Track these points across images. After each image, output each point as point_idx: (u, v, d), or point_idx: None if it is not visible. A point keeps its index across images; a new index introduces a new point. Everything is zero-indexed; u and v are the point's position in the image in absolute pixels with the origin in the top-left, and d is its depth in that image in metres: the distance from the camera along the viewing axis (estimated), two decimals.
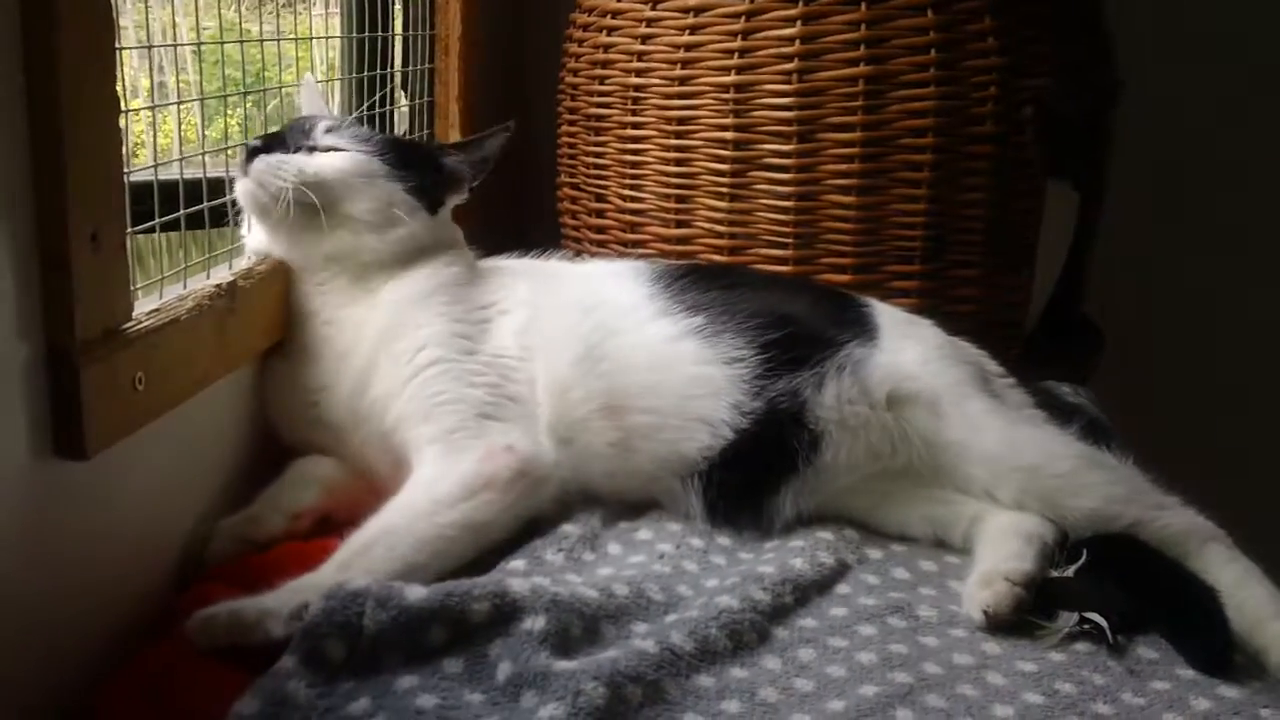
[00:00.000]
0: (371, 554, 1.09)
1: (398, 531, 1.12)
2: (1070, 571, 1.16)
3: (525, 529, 1.24)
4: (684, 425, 1.28)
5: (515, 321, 1.34)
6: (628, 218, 1.79)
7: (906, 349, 1.34)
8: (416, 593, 1.00)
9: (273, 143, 1.32)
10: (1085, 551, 1.18)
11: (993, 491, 1.26)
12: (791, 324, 1.33)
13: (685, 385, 1.29)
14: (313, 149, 1.32)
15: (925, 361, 1.33)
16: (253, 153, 1.29)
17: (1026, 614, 1.11)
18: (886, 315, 1.40)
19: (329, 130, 1.35)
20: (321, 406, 1.30)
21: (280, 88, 1.59)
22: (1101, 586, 1.14)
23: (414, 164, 1.37)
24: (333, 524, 1.23)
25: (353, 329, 1.30)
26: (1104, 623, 1.08)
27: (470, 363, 1.28)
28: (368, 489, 1.25)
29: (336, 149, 1.33)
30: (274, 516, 1.22)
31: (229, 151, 1.35)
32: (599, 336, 1.32)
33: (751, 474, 1.28)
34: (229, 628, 0.99)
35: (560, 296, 1.38)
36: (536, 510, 1.24)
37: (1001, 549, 1.17)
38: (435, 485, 1.18)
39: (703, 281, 1.40)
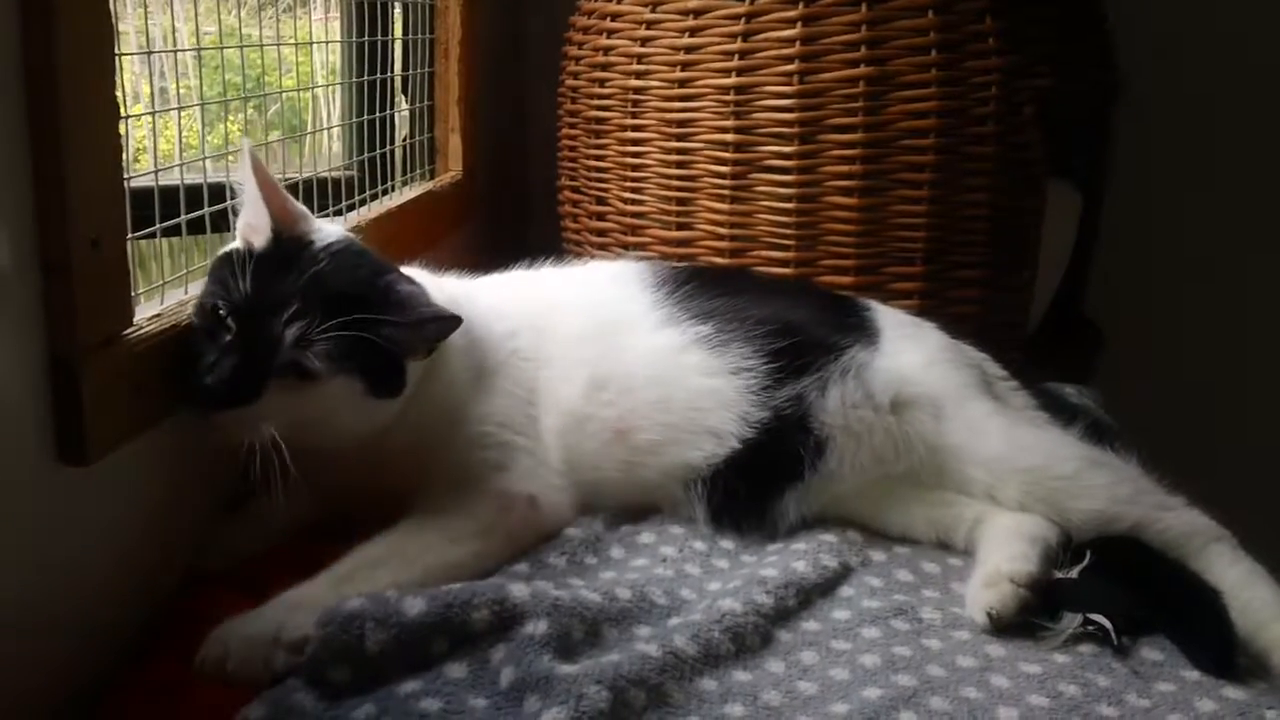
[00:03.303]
0: (376, 574, 1.08)
1: (408, 559, 1.11)
2: (1074, 573, 1.16)
3: None
4: (692, 437, 1.28)
5: (523, 373, 1.32)
6: (629, 220, 1.79)
7: (909, 353, 1.34)
8: (415, 606, 1.00)
9: (222, 369, 1.07)
10: (1089, 552, 1.17)
11: (995, 494, 1.26)
12: (798, 332, 1.33)
13: (693, 398, 1.29)
14: (286, 367, 1.08)
15: (928, 365, 1.33)
16: (208, 392, 1.06)
17: (1030, 616, 1.11)
18: (889, 318, 1.40)
19: (298, 342, 1.08)
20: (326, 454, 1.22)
21: (281, 92, 1.59)
22: (1106, 588, 1.13)
23: (375, 352, 1.12)
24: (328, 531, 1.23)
25: None
26: (1108, 624, 1.08)
27: (480, 426, 1.25)
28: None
29: (313, 376, 1.09)
30: (266, 530, 1.21)
31: (230, 157, 1.34)
32: (603, 363, 1.32)
33: (756, 480, 1.28)
34: (239, 665, 0.97)
35: (561, 331, 1.35)
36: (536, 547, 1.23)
37: (1005, 550, 1.17)
38: (451, 523, 1.16)
39: (707, 288, 1.39)
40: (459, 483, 1.21)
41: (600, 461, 1.29)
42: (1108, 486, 1.22)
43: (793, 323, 1.34)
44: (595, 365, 1.31)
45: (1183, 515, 1.21)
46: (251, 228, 1.17)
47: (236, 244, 1.17)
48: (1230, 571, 1.15)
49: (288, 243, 1.15)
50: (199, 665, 0.97)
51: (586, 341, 1.34)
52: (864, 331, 1.36)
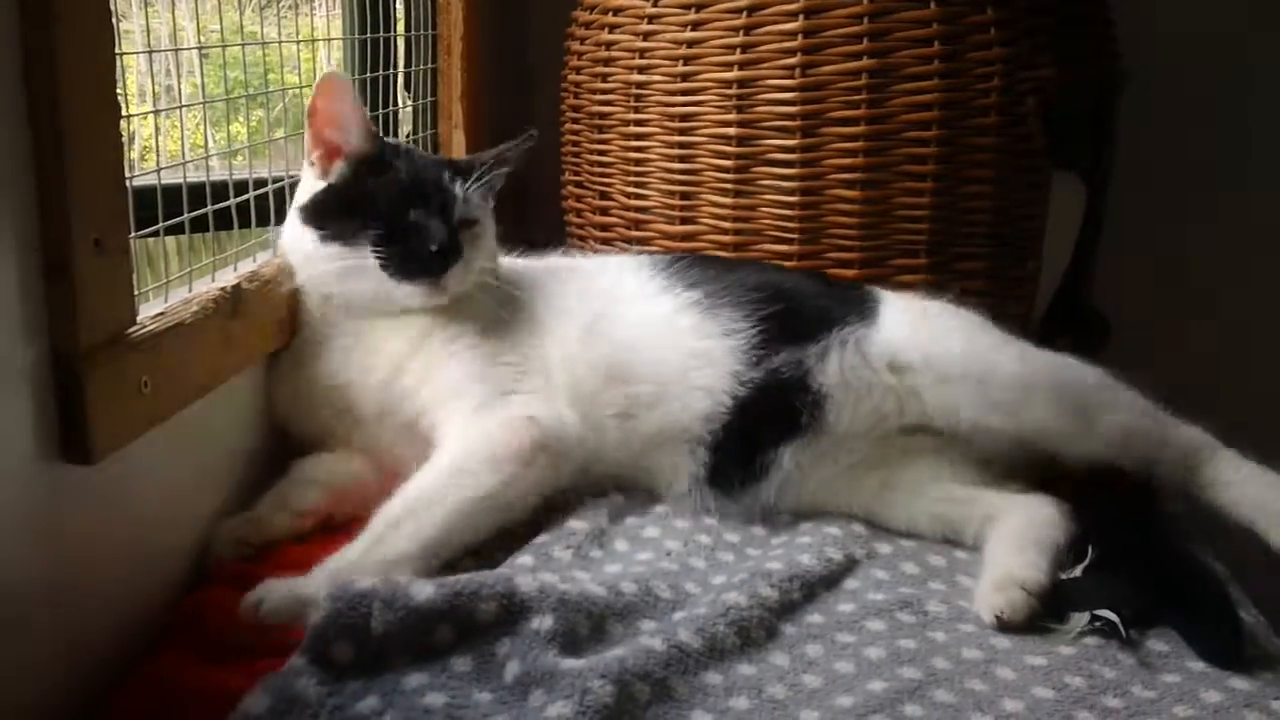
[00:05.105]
0: (403, 528, 1.13)
1: (430, 505, 1.15)
2: (1078, 571, 1.16)
3: (532, 525, 1.25)
4: (685, 393, 1.32)
5: (536, 314, 1.38)
6: (632, 215, 1.79)
7: (905, 321, 1.36)
8: (424, 592, 1.00)
9: (440, 235, 1.28)
10: (1091, 550, 1.17)
11: (1017, 416, 1.26)
12: (789, 298, 1.37)
13: (685, 358, 1.33)
14: (462, 223, 1.32)
15: (926, 325, 1.35)
16: (439, 260, 1.27)
17: (1037, 620, 1.11)
18: (888, 295, 1.43)
19: (466, 199, 1.33)
20: (344, 400, 1.30)
21: (284, 89, 1.59)
22: (1110, 583, 1.13)
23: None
24: (334, 523, 1.25)
25: (385, 331, 1.31)
26: (1116, 618, 1.08)
27: (495, 346, 1.31)
28: (373, 486, 1.26)
29: (477, 221, 1.35)
30: (278, 516, 1.23)
31: (235, 155, 1.34)
32: (601, 310, 1.37)
33: (754, 436, 1.30)
34: (270, 613, 1.03)
35: (568, 284, 1.43)
36: (556, 484, 1.27)
37: (1018, 556, 1.16)
38: (460, 460, 1.20)
39: (703, 263, 1.45)
40: (468, 408, 1.25)
41: (600, 410, 1.31)
42: (1131, 404, 1.26)
43: (785, 290, 1.38)
44: (594, 312, 1.37)
45: (1188, 432, 1.26)
46: (335, 146, 1.31)
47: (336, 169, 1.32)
48: (1243, 470, 1.21)
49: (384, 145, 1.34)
50: (243, 605, 1.04)
51: (589, 296, 1.40)
52: (862, 305, 1.38)
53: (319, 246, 1.29)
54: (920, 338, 1.32)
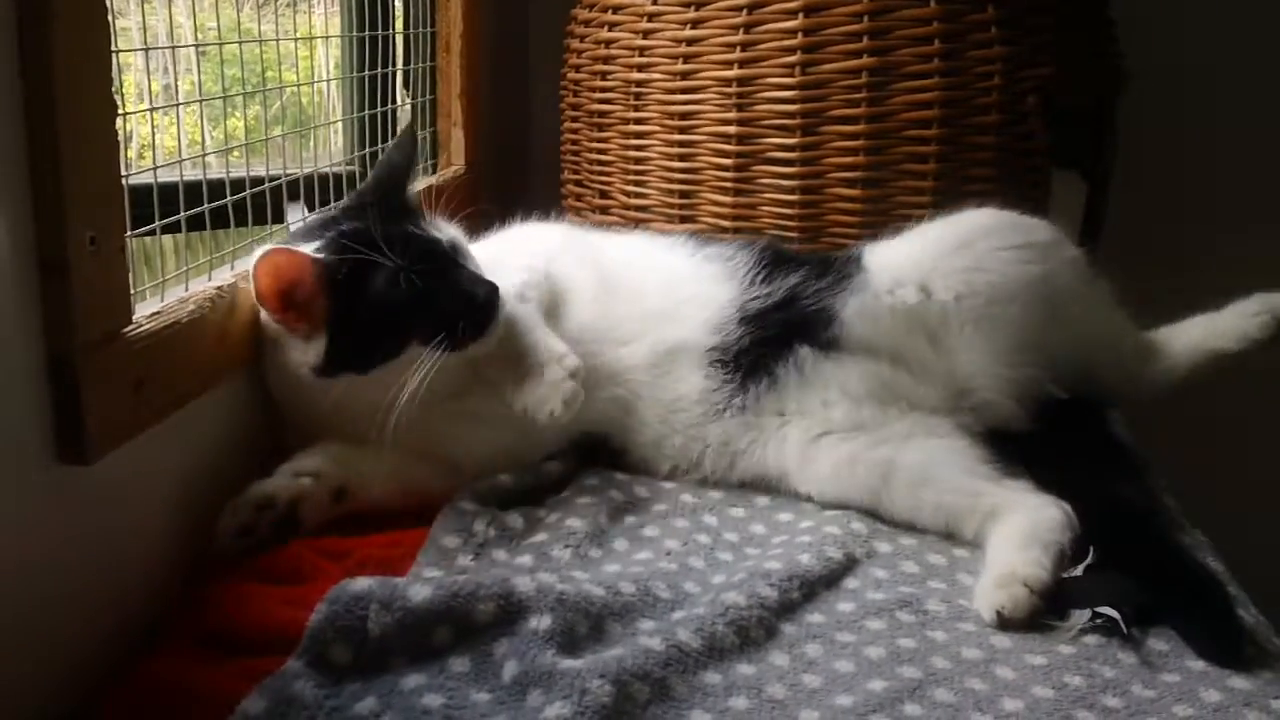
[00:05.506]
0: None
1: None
2: (1079, 570, 1.15)
3: (531, 524, 1.25)
4: (693, 308, 1.40)
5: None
6: (632, 214, 1.79)
7: (890, 243, 1.45)
8: (421, 593, 1.00)
9: (480, 286, 1.28)
10: (1092, 550, 1.16)
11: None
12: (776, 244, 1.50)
13: (686, 279, 1.43)
14: (454, 249, 1.34)
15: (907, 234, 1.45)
16: (490, 308, 1.26)
17: (1038, 617, 1.10)
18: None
19: (443, 233, 1.34)
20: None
21: (281, 87, 1.58)
22: (1111, 582, 1.12)
23: None
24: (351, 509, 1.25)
25: None
26: (1117, 615, 1.07)
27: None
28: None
29: (456, 238, 1.37)
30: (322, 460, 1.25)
31: (232, 152, 1.34)
32: (606, 279, 1.45)
33: (769, 344, 1.37)
34: None
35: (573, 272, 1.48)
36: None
37: (1021, 554, 1.15)
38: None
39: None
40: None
41: (621, 335, 1.39)
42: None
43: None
44: (599, 280, 1.45)
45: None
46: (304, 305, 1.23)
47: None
48: (1178, 327, 1.48)
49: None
50: None
51: (588, 269, 1.47)
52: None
53: (371, 381, 1.22)
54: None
